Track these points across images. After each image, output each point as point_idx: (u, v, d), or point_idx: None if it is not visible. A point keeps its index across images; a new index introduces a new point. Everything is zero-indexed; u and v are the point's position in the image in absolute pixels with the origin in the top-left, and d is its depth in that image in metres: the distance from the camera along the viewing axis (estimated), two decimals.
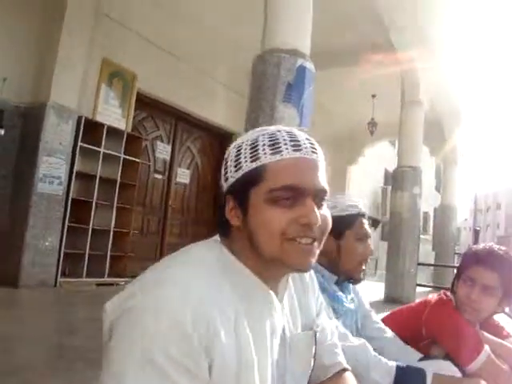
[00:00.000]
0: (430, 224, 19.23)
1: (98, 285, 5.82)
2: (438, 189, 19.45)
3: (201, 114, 8.10)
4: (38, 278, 5.19)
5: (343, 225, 1.63)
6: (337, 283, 1.65)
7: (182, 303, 0.74)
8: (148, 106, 7.33)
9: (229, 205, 0.88)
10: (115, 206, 6.14)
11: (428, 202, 16.99)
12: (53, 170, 5.32)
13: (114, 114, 6.43)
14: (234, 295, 0.82)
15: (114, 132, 6.14)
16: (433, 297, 1.91)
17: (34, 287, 5.08)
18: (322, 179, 0.88)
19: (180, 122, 8.10)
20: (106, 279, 5.96)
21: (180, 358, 0.72)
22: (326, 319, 1.13)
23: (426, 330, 1.80)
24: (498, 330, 1.91)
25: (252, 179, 0.85)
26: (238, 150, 0.89)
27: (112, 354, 0.76)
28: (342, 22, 6.94)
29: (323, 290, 1.57)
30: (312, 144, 0.90)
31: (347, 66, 8.09)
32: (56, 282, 5.40)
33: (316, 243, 0.86)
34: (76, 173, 5.66)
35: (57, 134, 5.33)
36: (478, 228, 13.53)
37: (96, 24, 5.86)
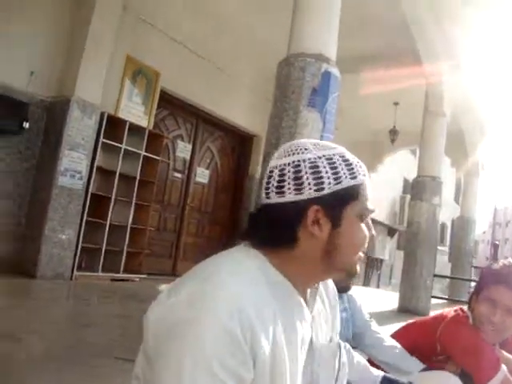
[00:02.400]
0: (448, 235, 19.01)
1: (113, 280, 5.87)
2: (457, 200, 19.24)
3: (222, 114, 8.12)
4: (55, 271, 5.25)
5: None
6: None
7: (230, 312, 0.76)
8: (170, 104, 7.37)
9: (312, 215, 0.88)
10: (133, 202, 6.18)
11: (446, 213, 16.80)
12: (74, 165, 5.38)
13: (136, 111, 6.48)
14: (272, 302, 0.84)
15: (135, 129, 6.18)
16: (449, 312, 1.88)
17: (50, 279, 5.14)
18: None
19: (201, 121, 8.13)
20: (122, 275, 6.00)
21: (235, 368, 0.74)
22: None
23: (441, 345, 1.78)
24: None
25: (351, 195, 0.90)
26: (332, 164, 0.90)
27: (163, 366, 0.77)
28: (368, 28, 6.92)
29: None
30: None
31: (370, 71, 8.05)
32: (72, 275, 5.45)
33: None
34: (96, 168, 5.71)
35: (79, 129, 5.39)
36: (497, 242, 13.34)
37: (122, 21, 5.91)
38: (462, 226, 11.41)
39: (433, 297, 8.00)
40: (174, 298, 0.81)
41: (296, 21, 3.54)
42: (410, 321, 2.16)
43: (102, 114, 5.68)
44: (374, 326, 1.90)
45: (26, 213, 5.34)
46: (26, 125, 5.10)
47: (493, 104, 10.00)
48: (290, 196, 0.88)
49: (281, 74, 3.43)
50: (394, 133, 10.25)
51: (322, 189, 0.88)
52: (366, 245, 0.94)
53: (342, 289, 1.68)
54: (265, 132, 3.64)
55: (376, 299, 9.48)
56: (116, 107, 6.16)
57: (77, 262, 5.52)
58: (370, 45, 7.51)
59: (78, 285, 5.35)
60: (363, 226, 0.93)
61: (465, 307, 1.88)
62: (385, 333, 1.96)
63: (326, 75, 3.31)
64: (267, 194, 0.92)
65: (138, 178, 6.20)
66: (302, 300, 0.92)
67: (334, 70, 3.39)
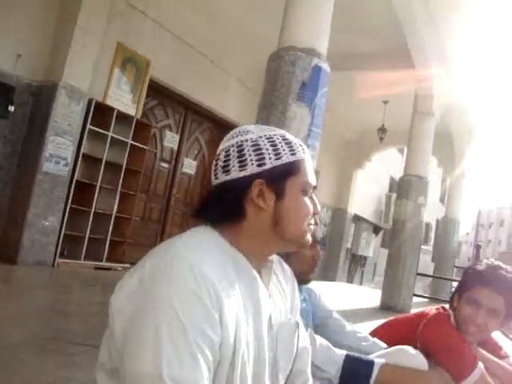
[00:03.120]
0: (432, 235, 19.16)
1: (96, 268, 5.82)
2: (442, 200, 19.40)
3: (211, 105, 8.08)
4: (37, 257, 5.19)
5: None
6: None
7: (193, 276, 0.80)
8: (159, 93, 7.31)
9: (256, 189, 0.95)
10: (119, 191, 6.13)
11: (431, 212, 16.93)
12: (60, 151, 5.31)
13: (124, 99, 6.41)
14: (231, 272, 0.89)
15: (123, 117, 6.13)
16: (431, 310, 1.89)
17: (32, 265, 5.09)
18: None
19: (190, 112, 8.08)
20: (104, 263, 5.96)
21: (207, 331, 0.78)
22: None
23: (421, 342, 1.78)
24: (495, 349, 1.89)
25: (291, 170, 0.97)
26: (272, 142, 0.97)
27: (139, 340, 0.78)
28: (361, 26, 6.93)
29: None
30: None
31: (361, 69, 8.07)
32: (54, 262, 5.40)
33: None
34: (82, 155, 5.65)
35: (66, 115, 5.32)
36: (479, 243, 13.47)
37: (113, 8, 5.84)
38: (447, 226, 11.51)
39: (415, 295, 8.07)
40: (136, 276, 0.85)
41: (288, 14, 3.51)
42: (392, 317, 2.17)
43: (89, 101, 5.62)
44: (335, 314, 1.95)
45: (8, 198, 5.26)
46: (12, 108, 5.02)
47: (483, 107, 10.08)
48: (235, 173, 0.95)
49: (271, 67, 3.41)
50: (382, 131, 10.29)
51: (264, 164, 0.95)
52: (312, 220, 1.01)
53: (302, 281, 1.71)
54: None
55: (359, 296, 9.55)
56: (104, 94, 6.09)
57: (59, 249, 5.47)
58: (362, 43, 7.52)
59: (60, 272, 5.30)
60: (307, 199, 0.99)
61: (447, 306, 1.89)
62: (363, 328, 1.99)
63: (317, 70, 3.30)
64: (215, 175, 0.99)
65: (124, 166, 6.15)
66: (257, 275, 0.96)
67: (325, 65, 3.38)
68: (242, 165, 0.95)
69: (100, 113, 5.78)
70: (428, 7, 6.58)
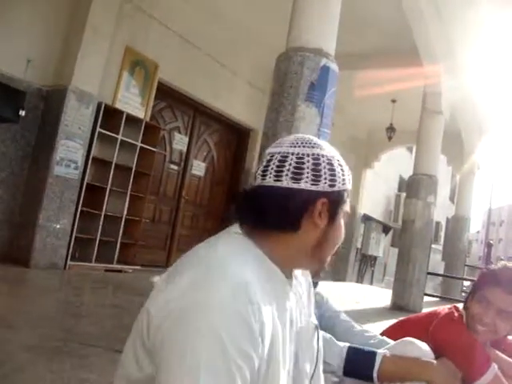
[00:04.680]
0: (442, 234, 19.04)
1: (107, 270, 5.86)
2: (452, 199, 19.28)
3: (220, 107, 8.10)
4: (49, 260, 5.24)
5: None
6: None
7: (237, 292, 0.78)
8: (168, 96, 7.35)
9: (319, 207, 0.94)
10: (129, 193, 6.16)
11: (441, 211, 16.83)
12: (70, 154, 5.35)
13: (133, 102, 6.45)
14: (266, 282, 0.87)
15: (132, 120, 6.16)
16: (443, 309, 1.88)
17: (44, 268, 5.13)
18: None
19: (198, 114, 8.11)
20: (115, 265, 5.99)
21: (249, 350, 0.76)
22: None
23: (433, 342, 1.78)
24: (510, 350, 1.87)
25: (345, 197, 1.00)
26: (341, 166, 0.99)
27: (175, 356, 0.75)
28: (368, 25, 6.90)
29: None
30: None
31: (369, 68, 8.05)
32: (66, 265, 5.44)
33: None
34: (92, 158, 5.69)
35: (76, 119, 5.37)
36: (491, 241, 13.39)
37: (121, 12, 5.88)
38: (457, 224, 11.44)
39: (425, 294, 8.03)
40: (173, 285, 0.82)
41: (295, 15, 3.52)
42: (403, 317, 2.16)
43: (99, 104, 5.66)
44: (343, 316, 1.93)
45: (20, 201, 5.31)
46: (22, 113, 5.06)
47: (492, 104, 10.00)
48: (305, 184, 0.93)
49: (279, 67, 3.41)
50: (390, 130, 10.25)
51: (334, 185, 0.95)
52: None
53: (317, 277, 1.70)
54: (262, 126, 3.63)
55: (369, 296, 9.51)
56: (113, 98, 6.13)
57: (71, 251, 5.51)
58: (369, 42, 7.49)
59: (72, 275, 5.34)
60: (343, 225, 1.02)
61: (459, 305, 1.88)
62: (374, 329, 1.98)
63: (325, 70, 3.31)
64: (265, 176, 0.95)
65: (133, 169, 6.18)
66: (287, 281, 0.97)
67: (333, 65, 3.39)
68: (316, 179, 0.93)
69: (109, 116, 5.82)
70: (436, 3, 6.55)
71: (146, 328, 0.82)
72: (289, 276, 0.99)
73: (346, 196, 1.00)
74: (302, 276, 1.11)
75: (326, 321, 1.84)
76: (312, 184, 0.93)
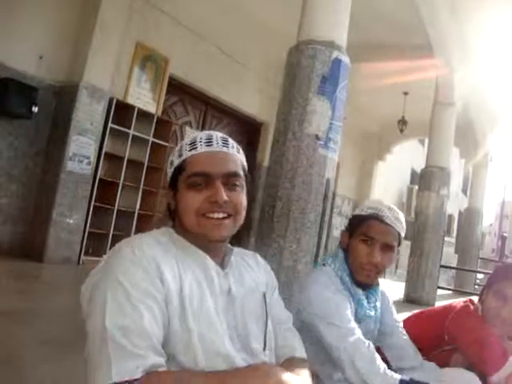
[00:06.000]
0: (455, 226, 18.91)
1: None
2: (464, 191, 19.14)
3: (231, 101, 8.08)
4: (63, 255, 5.28)
5: (354, 223, 1.64)
6: (362, 287, 1.63)
7: (132, 249, 0.97)
8: (179, 90, 7.34)
9: (170, 194, 1.12)
10: (141, 188, 6.19)
11: (454, 204, 16.72)
12: (82, 150, 5.38)
13: (145, 97, 6.46)
14: (178, 255, 1.03)
15: (144, 115, 6.17)
16: (459, 303, 1.87)
17: (58, 263, 5.18)
18: (234, 166, 1.10)
19: (210, 108, 8.10)
20: None
21: (147, 287, 0.93)
22: (279, 305, 1.26)
23: (449, 336, 1.77)
24: None
25: (178, 171, 1.09)
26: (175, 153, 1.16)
27: (92, 306, 0.95)
28: (379, 17, 6.84)
29: (351, 294, 1.57)
30: (225, 140, 1.15)
31: (381, 61, 7.97)
32: (79, 260, 5.49)
33: (230, 219, 1.07)
34: (105, 153, 5.72)
35: (88, 114, 5.39)
36: (505, 234, 13.27)
37: (131, 7, 5.89)
38: (470, 217, 11.37)
39: (439, 287, 8.00)
40: (97, 266, 1.02)
41: (307, 7, 3.50)
42: (417, 310, 2.15)
43: (110, 100, 5.67)
44: (401, 327, 1.83)
45: (34, 197, 5.36)
46: (35, 109, 5.10)
47: (505, 95, 9.88)
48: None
49: (291, 61, 3.39)
50: (402, 122, 10.17)
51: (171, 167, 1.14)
52: (204, 206, 1.05)
53: (366, 285, 1.65)
54: (273, 119, 3.62)
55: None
56: (125, 93, 6.14)
57: (84, 246, 5.55)
58: (381, 34, 7.42)
59: (86, 269, 5.34)
60: (192, 193, 1.06)
61: (475, 299, 1.87)
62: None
63: (337, 63, 3.28)
64: None
65: (145, 163, 6.20)
66: (201, 252, 1.07)
67: (345, 58, 3.36)
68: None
69: (121, 111, 5.83)
70: None
71: (83, 306, 1.00)
72: (220, 251, 1.12)
73: (179, 167, 1.10)
74: (256, 260, 1.25)
75: (385, 327, 1.75)
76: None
